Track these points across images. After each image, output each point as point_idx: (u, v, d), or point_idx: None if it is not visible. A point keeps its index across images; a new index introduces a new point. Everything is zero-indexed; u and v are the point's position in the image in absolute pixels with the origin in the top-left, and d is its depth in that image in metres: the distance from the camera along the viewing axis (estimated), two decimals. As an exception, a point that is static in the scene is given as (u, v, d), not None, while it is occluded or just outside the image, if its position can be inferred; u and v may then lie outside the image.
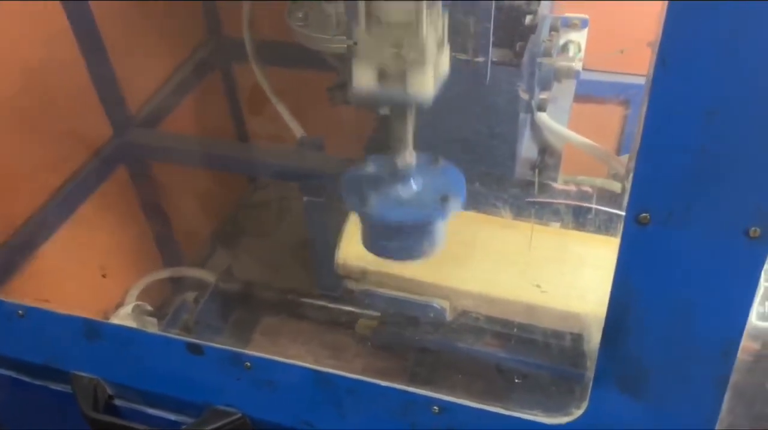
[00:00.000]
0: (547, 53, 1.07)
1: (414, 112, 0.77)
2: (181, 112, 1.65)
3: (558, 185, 1.11)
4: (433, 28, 0.68)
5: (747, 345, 0.75)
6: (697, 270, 0.61)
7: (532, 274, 1.00)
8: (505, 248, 1.04)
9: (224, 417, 0.87)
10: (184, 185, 1.66)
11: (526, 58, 1.00)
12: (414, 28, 0.66)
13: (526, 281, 0.99)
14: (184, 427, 0.90)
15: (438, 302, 1.04)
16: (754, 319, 0.84)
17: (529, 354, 1.07)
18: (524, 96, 1.04)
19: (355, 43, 0.68)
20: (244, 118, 1.88)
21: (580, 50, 1.14)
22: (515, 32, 0.99)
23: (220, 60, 1.77)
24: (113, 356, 0.92)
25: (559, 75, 1.10)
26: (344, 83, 0.77)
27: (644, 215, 0.59)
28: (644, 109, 0.56)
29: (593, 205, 1.02)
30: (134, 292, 1.52)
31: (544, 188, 1.09)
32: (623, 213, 0.60)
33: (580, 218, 1.04)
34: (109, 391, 0.93)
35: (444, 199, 0.82)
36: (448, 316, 1.04)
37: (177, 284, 1.66)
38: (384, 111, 0.77)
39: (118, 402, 0.94)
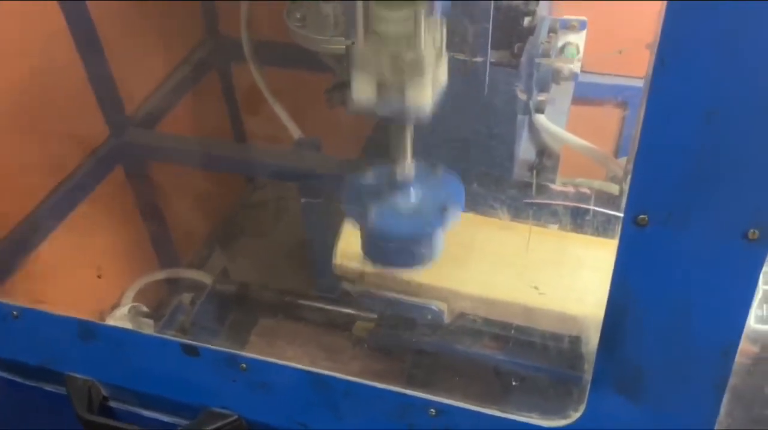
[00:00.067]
0: (546, 55, 1.07)
1: (413, 123, 0.77)
2: (178, 113, 1.65)
3: (556, 187, 1.11)
4: (431, 39, 0.68)
5: (745, 348, 0.75)
6: (695, 272, 0.60)
7: (530, 276, 0.99)
8: (502, 250, 1.04)
9: (220, 419, 0.86)
10: (181, 186, 1.65)
11: (524, 60, 1.00)
12: (412, 41, 0.66)
13: (523, 283, 0.99)
14: (179, 429, 0.89)
15: (436, 304, 1.03)
16: (752, 322, 0.84)
17: (526, 356, 1.07)
18: (522, 97, 1.03)
19: (353, 43, 0.68)
20: (241, 118, 1.88)
21: (578, 52, 1.14)
22: (513, 33, 0.99)
23: (217, 60, 1.77)
24: (108, 358, 0.91)
25: (557, 76, 1.10)
26: (342, 84, 0.77)
27: (642, 216, 0.59)
28: (642, 111, 0.55)
29: (591, 207, 1.02)
30: (130, 293, 1.51)
31: (542, 190, 1.09)
32: (621, 215, 0.60)
33: (578, 220, 1.04)
34: (104, 392, 0.93)
35: (443, 210, 0.83)
36: (446, 318, 1.04)
37: (174, 285, 1.65)
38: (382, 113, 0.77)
39: (112, 404, 0.94)
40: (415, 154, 0.83)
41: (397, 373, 1.22)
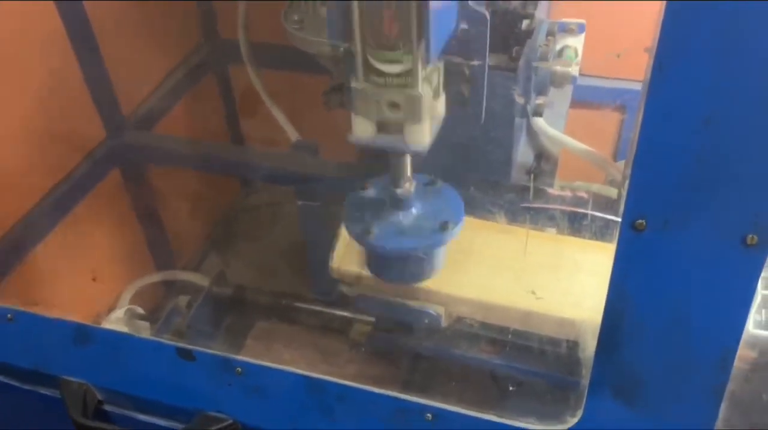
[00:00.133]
0: (544, 58, 1.07)
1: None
2: (175, 115, 1.65)
3: (554, 191, 1.10)
4: (428, 82, 0.70)
5: (744, 354, 0.75)
6: (693, 277, 0.60)
7: (528, 280, 0.99)
8: (500, 254, 1.04)
9: (215, 423, 0.86)
10: (178, 188, 1.65)
11: (522, 63, 1.00)
12: (408, 83, 0.67)
13: (521, 287, 0.99)
14: (174, 433, 0.89)
15: (433, 308, 1.03)
16: (751, 327, 0.83)
17: (524, 361, 1.06)
18: (520, 101, 1.03)
19: (349, 47, 0.67)
20: (239, 120, 1.88)
21: (576, 55, 1.14)
22: (512, 36, 0.99)
23: (215, 62, 1.77)
24: (103, 361, 0.91)
25: (555, 80, 1.10)
26: (339, 87, 0.77)
27: (640, 221, 0.58)
28: (641, 114, 0.55)
29: (589, 212, 1.02)
30: (127, 295, 1.51)
31: (539, 194, 1.09)
32: (619, 219, 0.59)
33: (576, 224, 1.03)
34: (99, 396, 0.92)
35: (443, 227, 0.85)
36: (444, 322, 1.04)
37: (170, 287, 1.65)
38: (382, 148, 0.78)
39: (107, 408, 0.93)
40: (413, 159, 0.83)
41: (393, 377, 1.22)
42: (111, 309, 1.45)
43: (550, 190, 1.10)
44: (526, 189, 1.09)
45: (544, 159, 1.16)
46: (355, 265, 1.03)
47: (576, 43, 1.14)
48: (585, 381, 0.70)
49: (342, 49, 0.69)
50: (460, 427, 0.77)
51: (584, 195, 1.06)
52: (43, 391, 0.97)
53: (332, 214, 1.24)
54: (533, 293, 0.98)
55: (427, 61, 0.66)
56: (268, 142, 1.57)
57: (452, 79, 0.75)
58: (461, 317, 1.05)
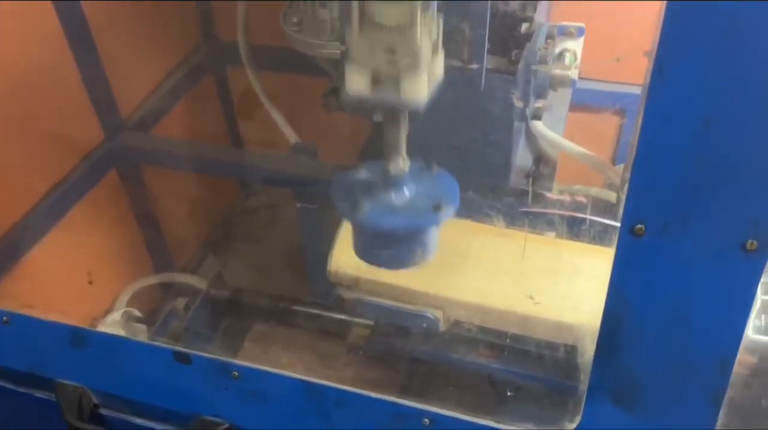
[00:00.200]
0: (543, 61, 1.07)
1: (407, 117, 0.76)
2: (174, 116, 1.64)
3: (552, 195, 1.10)
4: (428, 32, 0.67)
5: (743, 359, 0.74)
6: (693, 283, 0.60)
7: (526, 284, 0.99)
8: (498, 258, 1.03)
9: (211, 427, 0.85)
10: (175, 190, 1.65)
11: (521, 66, 0.99)
12: (408, 33, 0.65)
13: (519, 291, 0.99)
14: (170, 437, 0.88)
15: (431, 312, 1.03)
16: (750, 332, 0.83)
17: (522, 366, 1.06)
18: (519, 104, 1.03)
19: (348, 49, 0.67)
20: (237, 122, 1.87)
21: (576, 59, 1.13)
22: (511, 40, 0.99)
23: (213, 64, 1.76)
24: (99, 365, 0.90)
25: (554, 83, 1.10)
26: (338, 89, 0.76)
27: (639, 226, 0.58)
28: (640, 118, 0.55)
29: (588, 216, 1.02)
30: (124, 298, 1.50)
31: (538, 198, 1.08)
32: (618, 224, 0.59)
33: (574, 228, 1.03)
34: (95, 400, 0.92)
35: (437, 208, 0.81)
36: (442, 326, 1.03)
37: (167, 290, 1.64)
38: (378, 118, 0.76)
39: (103, 411, 0.93)
40: (411, 159, 0.82)
41: (391, 380, 1.22)
42: (108, 311, 1.45)
43: (549, 195, 1.10)
44: (525, 193, 1.09)
45: (543, 162, 1.16)
46: (353, 268, 1.03)
47: (575, 46, 1.14)
48: (583, 386, 0.70)
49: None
50: (458, 432, 0.77)
51: (583, 199, 1.06)
52: (39, 394, 0.96)
53: (331, 217, 1.24)
54: (531, 297, 0.98)
55: (426, 8, 0.62)
56: (267, 144, 1.56)
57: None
58: (459, 321, 1.04)
